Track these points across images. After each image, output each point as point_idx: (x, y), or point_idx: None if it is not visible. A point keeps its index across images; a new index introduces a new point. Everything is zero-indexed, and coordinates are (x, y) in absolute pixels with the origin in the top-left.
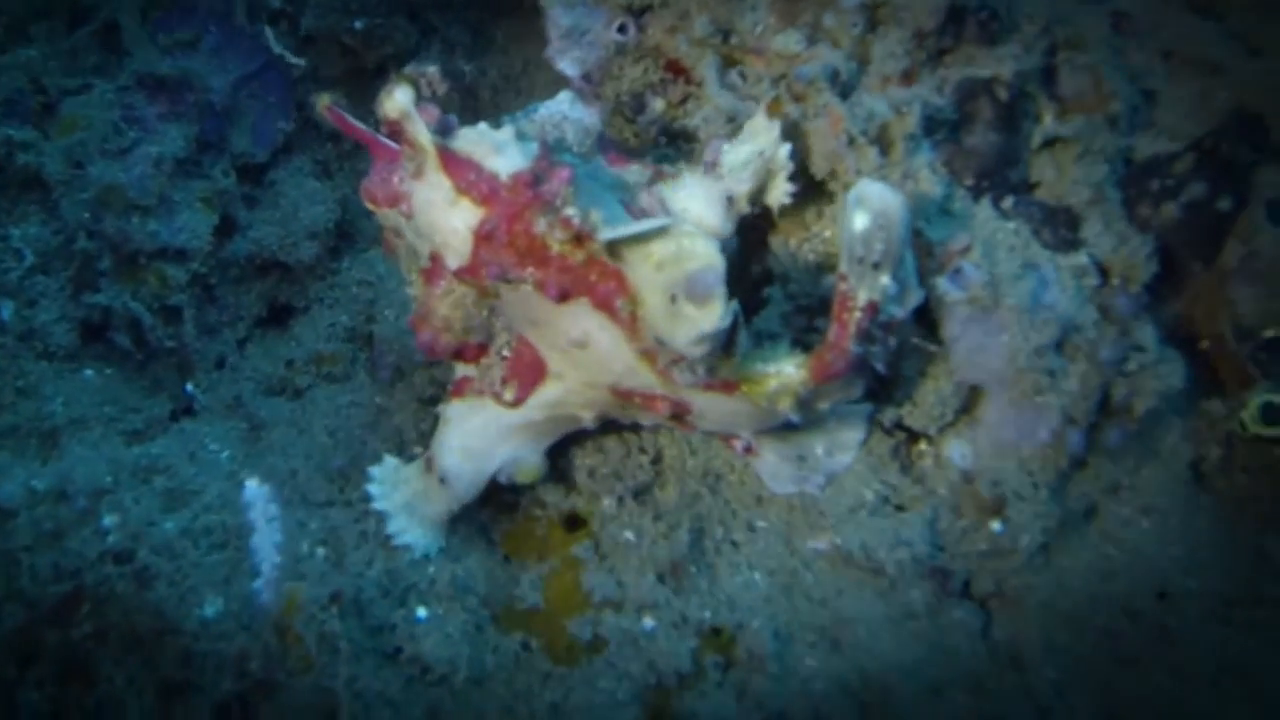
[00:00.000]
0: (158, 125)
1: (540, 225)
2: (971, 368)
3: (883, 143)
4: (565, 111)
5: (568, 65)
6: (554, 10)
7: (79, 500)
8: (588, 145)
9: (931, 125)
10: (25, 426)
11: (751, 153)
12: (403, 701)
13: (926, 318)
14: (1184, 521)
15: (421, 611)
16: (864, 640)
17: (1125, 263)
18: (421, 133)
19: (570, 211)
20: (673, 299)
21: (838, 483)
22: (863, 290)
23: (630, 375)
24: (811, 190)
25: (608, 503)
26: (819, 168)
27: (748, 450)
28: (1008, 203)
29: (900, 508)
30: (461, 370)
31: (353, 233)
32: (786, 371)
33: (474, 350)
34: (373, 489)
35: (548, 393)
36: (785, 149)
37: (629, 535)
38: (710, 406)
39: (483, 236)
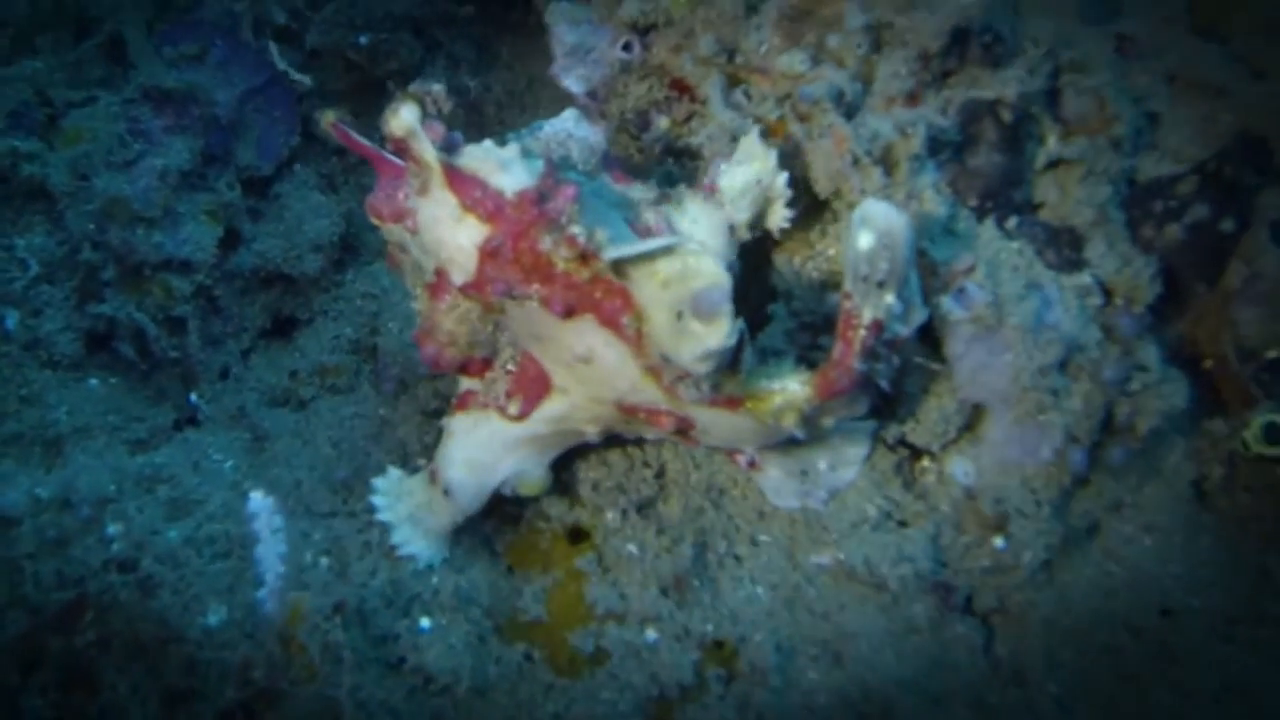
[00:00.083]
0: (163, 138)
1: (545, 243)
2: (975, 386)
3: (887, 163)
4: (570, 129)
5: (573, 83)
6: (559, 28)
7: (83, 509)
8: (593, 163)
9: (936, 146)
10: (29, 435)
11: (749, 181)
12: (406, 711)
13: (930, 336)
14: (1186, 540)
15: (425, 622)
16: (866, 654)
17: (1129, 283)
18: (427, 150)
19: (575, 229)
20: (679, 316)
21: (841, 498)
22: (867, 308)
23: (635, 391)
24: (815, 209)
25: (611, 516)
26: (823, 187)
27: (751, 465)
28: (1012, 223)
29: (903, 523)
30: (466, 384)
31: (357, 246)
32: (791, 388)
33: (479, 364)
34: (377, 500)
35: (552, 407)
36: (783, 177)
37: (632, 548)
38: (715, 422)
39: (488, 253)
